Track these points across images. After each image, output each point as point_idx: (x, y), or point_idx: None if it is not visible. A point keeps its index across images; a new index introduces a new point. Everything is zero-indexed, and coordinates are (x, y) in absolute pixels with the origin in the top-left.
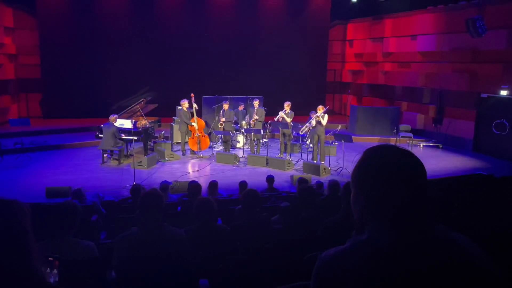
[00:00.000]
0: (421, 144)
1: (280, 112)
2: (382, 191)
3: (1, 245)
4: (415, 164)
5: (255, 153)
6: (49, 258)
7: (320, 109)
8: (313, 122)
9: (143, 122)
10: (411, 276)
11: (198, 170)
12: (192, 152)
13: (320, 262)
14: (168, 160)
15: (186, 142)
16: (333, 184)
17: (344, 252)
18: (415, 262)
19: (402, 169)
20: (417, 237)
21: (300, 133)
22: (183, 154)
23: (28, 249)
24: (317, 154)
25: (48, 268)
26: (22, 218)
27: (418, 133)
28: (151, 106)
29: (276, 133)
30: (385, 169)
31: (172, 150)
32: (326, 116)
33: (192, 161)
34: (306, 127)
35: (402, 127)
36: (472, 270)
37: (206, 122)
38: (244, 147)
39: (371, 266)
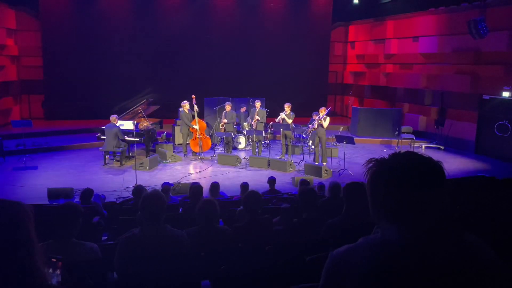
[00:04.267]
0: (423, 146)
1: (281, 113)
2: (403, 192)
3: (5, 246)
4: (436, 168)
5: (257, 154)
6: (52, 259)
7: (322, 111)
8: (316, 125)
9: (145, 124)
10: (423, 274)
11: (199, 171)
12: (194, 153)
13: (331, 259)
14: (169, 162)
15: (188, 144)
16: (334, 186)
17: (356, 249)
18: (427, 260)
19: (423, 173)
20: (430, 236)
21: (304, 135)
22: (185, 155)
23: (31, 250)
24: (319, 155)
25: (51, 269)
26: (26, 220)
27: (420, 135)
28: (153, 108)
29: (277, 135)
30: (407, 172)
31: (173, 152)
32: (328, 118)
33: (194, 162)
34: (309, 129)
35: (404, 128)
36: (483, 269)
37: (207, 123)
38: (246, 148)
39: (384, 263)
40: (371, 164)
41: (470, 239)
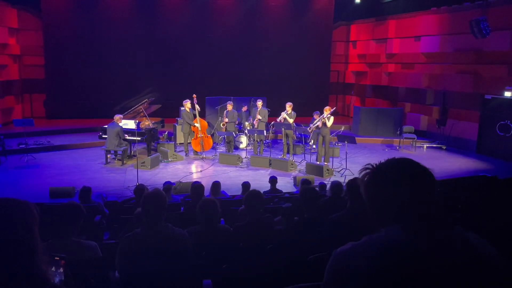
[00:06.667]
0: (425, 146)
1: (282, 113)
2: (404, 194)
3: (8, 244)
4: (429, 172)
5: (258, 154)
6: (55, 258)
7: (327, 110)
8: (319, 124)
9: (147, 123)
10: (426, 272)
11: (201, 170)
12: (195, 152)
13: (335, 257)
14: (171, 161)
15: (189, 143)
16: (336, 185)
17: (360, 248)
18: (430, 258)
19: (420, 177)
20: (433, 235)
21: (309, 131)
22: (186, 154)
23: (34, 249)
24: (321, 155)
25: (54, 267)
26: (30, 219)
27: (421, 135)
28: (155, 107)
29: (279, 134)
30: (407, 176)
31: (175, 151)
32: (332, 117)
33: (195, 161)
34: (310, 128)
35: (406, 128)
36: (484, 267)
37: (209, 122)
38: (247, 148)
39: (388, 261)
40: (368, 170)
41: (473, 238)
